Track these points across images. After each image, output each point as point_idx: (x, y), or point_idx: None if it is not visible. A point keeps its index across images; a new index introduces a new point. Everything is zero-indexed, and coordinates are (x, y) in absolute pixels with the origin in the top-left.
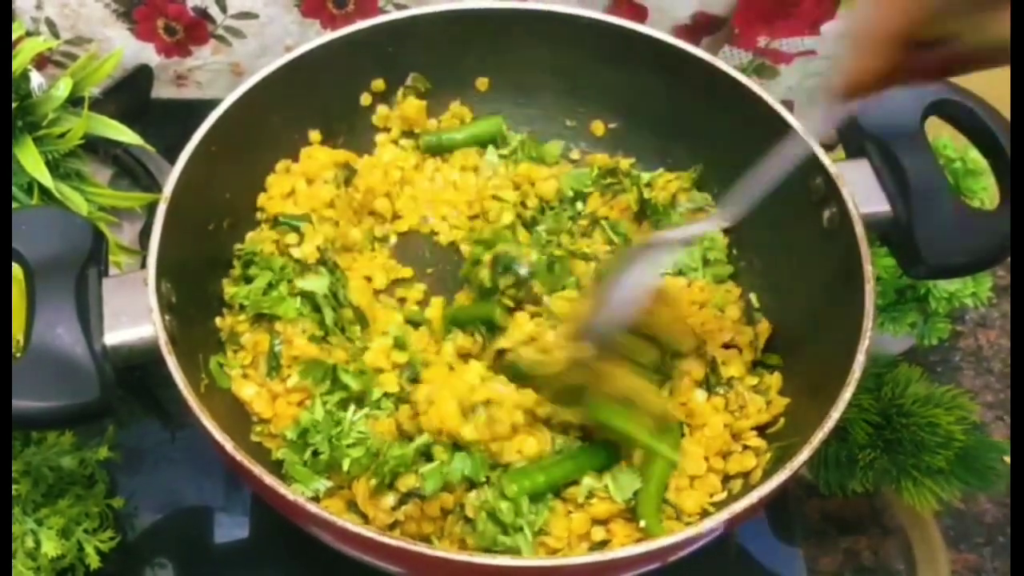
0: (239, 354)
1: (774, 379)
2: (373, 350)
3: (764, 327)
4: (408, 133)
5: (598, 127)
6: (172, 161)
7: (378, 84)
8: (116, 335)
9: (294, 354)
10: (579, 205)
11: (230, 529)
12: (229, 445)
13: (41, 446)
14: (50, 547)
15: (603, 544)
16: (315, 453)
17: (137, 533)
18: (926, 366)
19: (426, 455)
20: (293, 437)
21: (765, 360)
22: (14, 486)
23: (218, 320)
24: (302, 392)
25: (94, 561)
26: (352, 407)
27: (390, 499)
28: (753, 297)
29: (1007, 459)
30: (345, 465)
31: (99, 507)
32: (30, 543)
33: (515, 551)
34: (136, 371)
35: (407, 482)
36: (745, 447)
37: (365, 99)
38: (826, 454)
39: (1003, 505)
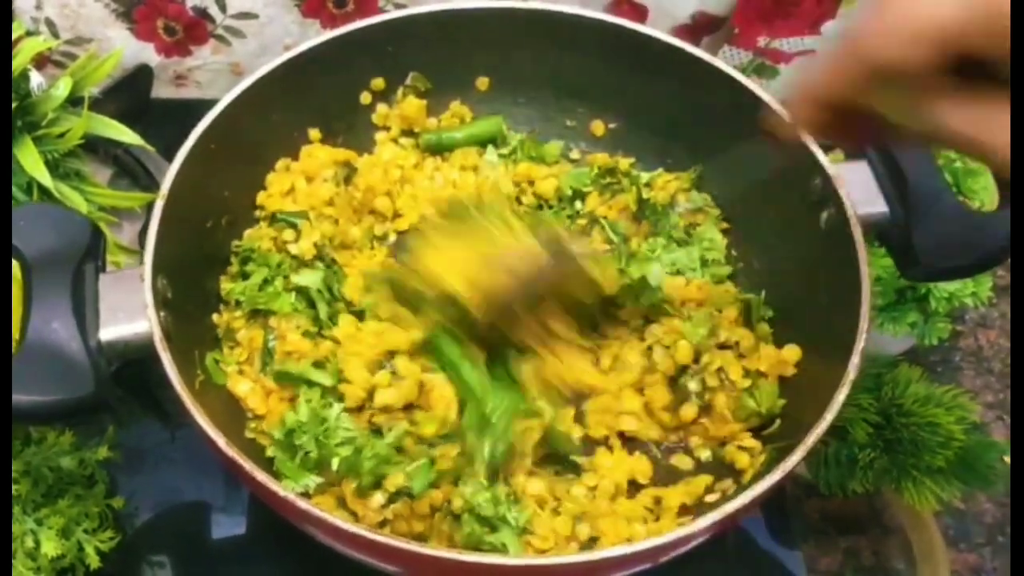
0: (235, 350)
1: (769, 383)
2: (340, 326)
3: (763, 330)
4: (408, 132)
5: (598, 127)
6: (172, 161)
7: (378, 83)
8: (112, 330)
9: (287, 350)
10: (578, 204)
11: (228, 527)
12: (221, 441)
13: (41, 446)
14: (50, 547)
15: (593, 541)
16: (304, 452)
17: (137, 533)
18: (926, 366)
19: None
20: (280, 437)
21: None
22: (14, 486)
23: (215, 316)
24: (292, 389)
25: (94, 561)
26: (335, 405)
27: (379, 498)
28: (752, 298)
29: (1007, 459)
30: (334, 464)
31: (99, 507)
32: (30, 543)
33: (502, 549)
34: (134, 369)
35: (395, 481)
36: (740, 447)
37: (365, 98)
38: (826, 454)
39: (1003, 505)
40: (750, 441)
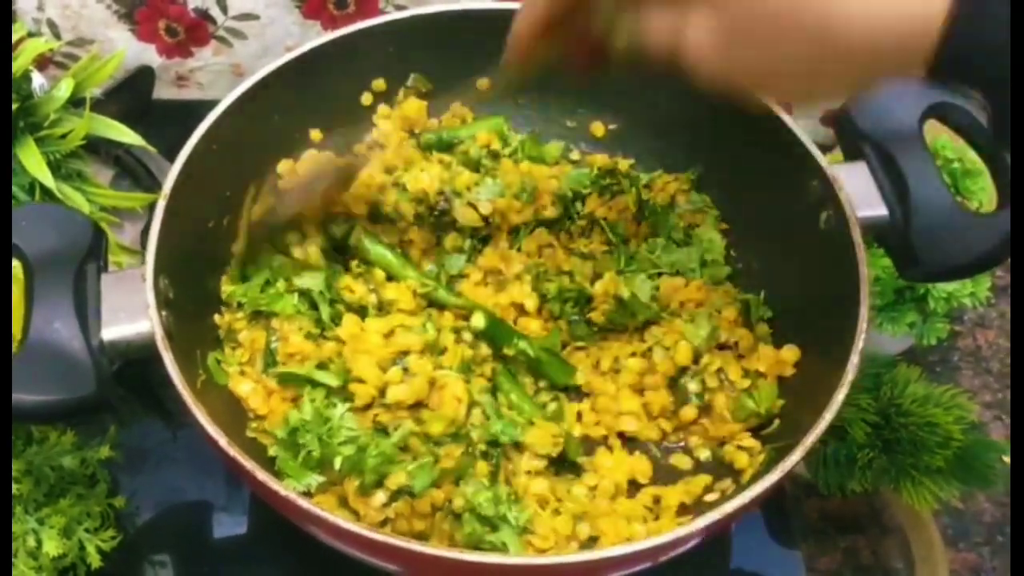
0: (237, 351)
1: (768, 383)
2: (344, 326)
3: (763, 331)
4: (409, 133)
5: (598, 128)
6: (173, 161)
7: (379, 84)
8: (113, 330)
9: (290, 351)
10: (578, 205)
11: (229, 527)
12: (223, 440)
13: (43, 445)
14: (51, 546)
15: (593, 541)
16: (307, 451)
17: (138, 532)
18: (925, 366)
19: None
20: (283, 436)
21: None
22: (16, 485)
23: (216, 318)
24: (294, 389)
25: (95, 560)
26: (339, 404)
27: (380, 496)
28: (751, 298)
29: (1006, 459)
30: (337, 464)
31: (100, 506)
32: (32, 542)
33: (503, 549)
34: (136, 368)
35: (397, 479)
36: (740, 447)
37: (366, 99)
38: (825, 454)
39: (1001, 504)
40: (749, 441)
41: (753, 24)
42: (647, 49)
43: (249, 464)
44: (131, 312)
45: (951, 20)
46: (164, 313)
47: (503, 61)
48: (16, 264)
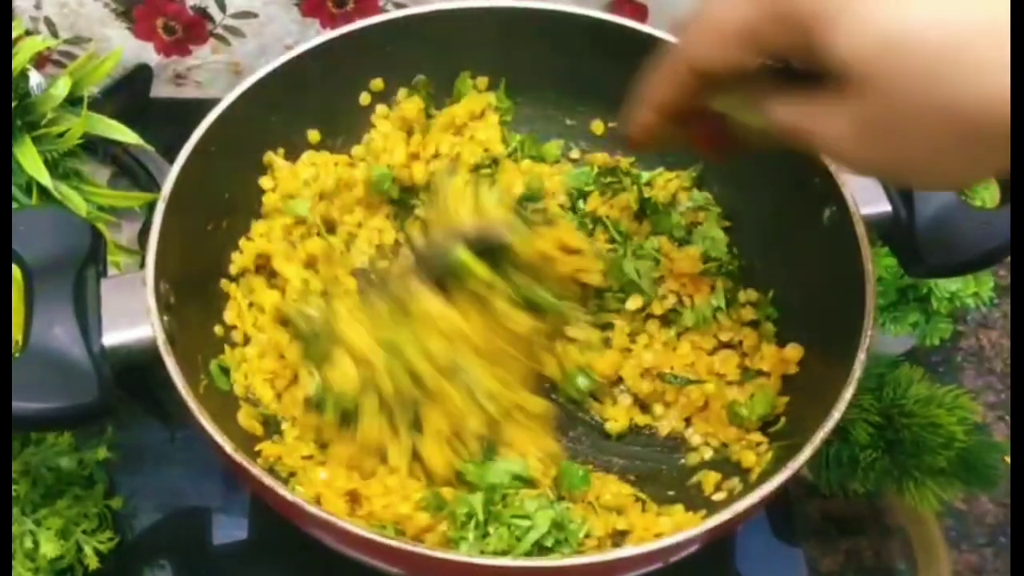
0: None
1: (771, 381)
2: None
3: (767, 329)
4: (408, 133)
5: (598, 126)
6: (171, 161)
7: (377, 84)
8: (114, 336)
9: None
10: (580, 204)
11: (229, 530)
12: (229, 447)
13: (40, 446)
14: (49, 548)
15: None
16: None
17: (136, 534)
18: (927, 366)
19: None
20: None
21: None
22: (13, 487)
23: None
24: None
25: (93, 562)
26: None
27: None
28: (753, 295)
29: (1008, 459)
30: None
31: (98, 508)
32: (29, 544)
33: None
34: (137, 372)
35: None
36: (745, 446)
37: (364, 99)
38: (827, 454)
39: (1005, 505)
40: (757, 436)
41: (892, 120)
42: (779, 131)
43: (256, 470)
44: (132, 317)
45: None
46: (165, 318)
47: (627, 140)
48: (14, 269)
